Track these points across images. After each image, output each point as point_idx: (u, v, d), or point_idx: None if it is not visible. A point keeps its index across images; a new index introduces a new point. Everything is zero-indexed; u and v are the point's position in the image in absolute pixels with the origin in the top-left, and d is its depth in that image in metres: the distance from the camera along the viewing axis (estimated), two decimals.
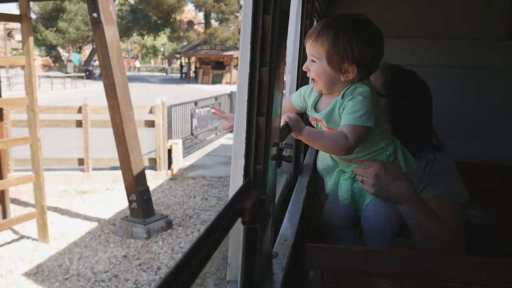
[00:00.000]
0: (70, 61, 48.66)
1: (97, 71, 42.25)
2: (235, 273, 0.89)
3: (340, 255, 1.18)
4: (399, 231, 1.49)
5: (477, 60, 2.78)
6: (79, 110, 8.59)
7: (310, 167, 2.07)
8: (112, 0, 6.31)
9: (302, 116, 1.56)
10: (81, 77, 38.33)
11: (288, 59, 1.91)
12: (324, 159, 1.54)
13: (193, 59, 45.41)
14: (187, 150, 10.63)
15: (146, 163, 8.67)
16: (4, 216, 6.45)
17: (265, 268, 0.99)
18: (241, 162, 0.85)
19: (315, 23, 2.14)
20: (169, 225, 6.52)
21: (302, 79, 1.91)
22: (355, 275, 1.18)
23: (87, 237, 6.22)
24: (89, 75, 42.79)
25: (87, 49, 53.80)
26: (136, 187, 6.33)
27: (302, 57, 1.85)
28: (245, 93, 0.82)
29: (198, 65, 44.49)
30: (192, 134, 11.13)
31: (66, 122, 8.94)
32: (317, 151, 2.01)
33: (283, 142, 1.06)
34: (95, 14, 6.03)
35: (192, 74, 44.91)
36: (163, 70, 60.73)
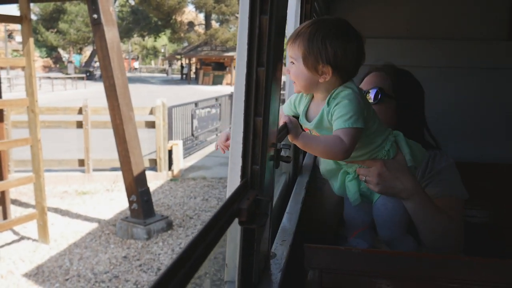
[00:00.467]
0: (70, 62, 48.72)
1: (97, 72, 42.32)
2: (232, 273, 0.89)
3: (338, 256, 1.18)
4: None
5: (476, 60, 2.77)
6: (80, 111, 8.60)
7: (309, 168, 2.07)
8: (112, 1, 6.32)
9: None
10: (82, 78, 38.39)
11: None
12: (326, 163, 1.54)
13: (193, 60, 45.44)
14: (188, 151, 10.63)
15: (147, 164, 8.67)
16: (5, 217, 6.46)
17: (263, 269, 0.99)
18: (239, 162, 0.85)
19: None
20: (169, 226, 6.52)
21: None
22: (354, 276, 1.18)
23: (87, 238, 6.22)
24: (90, 76, 42.84)
25: (87, 50, 53.85)
26: (137, 187, 6.34)
27: None
28: (243, 93, 0.82)
29: (198, 66, 44.52)
30: (192, 135, 11.13)
31: (66, 123, 8.94)
32: None
33: (281, 143, 1.05)
34: (95, 15, 6.04)
35: (192, 75, 44.93)
36: (163, 71, 60.75)
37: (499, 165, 2.66)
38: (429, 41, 2.79)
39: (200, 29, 49.37)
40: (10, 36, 41.27)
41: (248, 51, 0.80)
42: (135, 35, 51.76)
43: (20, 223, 6.09)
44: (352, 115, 1.26)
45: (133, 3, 47.94)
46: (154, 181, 8.73)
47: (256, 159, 0.85)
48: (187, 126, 10.97)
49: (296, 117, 1.51)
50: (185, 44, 49.98)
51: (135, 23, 47.70)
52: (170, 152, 9.20)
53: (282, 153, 1.07)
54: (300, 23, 1.80)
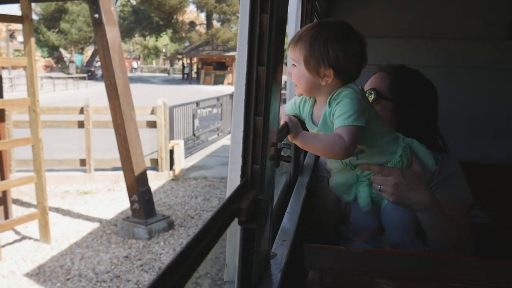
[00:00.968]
0: (72, 62, 48.79)
1: (99, 72, 42.30)
2: (232, 273, 0.88)
3: (339, 256, 1.18)
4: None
5: (478, 60, 2.77)
6: (81, 111, 8.60)
7: (310, 168, 2.06)
8: (113, 0, 6.32)
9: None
10: (83, 78, 38.43)
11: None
12: (340, 176, 1.53)
13: (195, 59, 45.45)
14: (189, 150, 10.63)
15: (148, 163, 8.68)
16: (6, 216, 6.47)
17: (263, 269, 0.99)
18: (239, 162, 0.85)
19: None
20: (170, 225, 6.52)
21: None
22: (355, 276, 1.17)
23: (88, 238, 6.22)
24: (91, 76, 42.88)
25: (89, 50, 53.90)
26: (138, 187, 6.33)
27: None
28: (243, 93, 0.82)
29: (200, 66, 44.54)
30: (194, 134, 11.13)
31: (68, 123, 8.94)
32: None
33: (282, 142, 1.05)
34: (96, 15, 6.04)
35: (194, 75, 44.93)
36: (165, 71, 60.77)
37: (500, 165, 2.65)
38: (431, 40, 2.78)
39: (202, 29, 49.38)
40: (11, 36, 41.32)
41: (248, 50, 0.80)
42: (136, 35, 51.78)
43: (22, 223, 6.09)
44: (353, 113, 1.26)
45: (134, 2, 47.96)
46: (156, 181, 8.73)
47: (256, 159, 0.85)
48: (189, 126, 10.97)
49: (299, 118, 1.51)
50: (187, 43, 49.99)
51: (137, 22, 47.72)
52: (171, 152, 9.19)
53: (283, 152, 1.07)
54: (301, 22, 1.80)
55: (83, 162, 8.78)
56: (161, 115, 8.83)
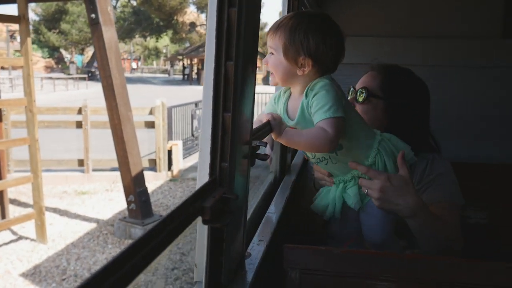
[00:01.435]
0: (72, 62, 48.86)
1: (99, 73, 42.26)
2: (202, 273, 0.87)
3: (318, 256, 1.16)
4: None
5: (471, 58, 2.74)
6: (79, 111, 8.59)
7: (297, 168, 2.05)
8: (110, 1, 6.31)
9: None
10: (83, 79, 38.46)
11: None
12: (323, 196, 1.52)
13: (195, 60, 45.43)
14: (188, 151, 10.62)
15: (146, 164, 8.66)
16: (3, 216, 6.46)
17: (235, 269, 0.97)
18: (208, 159, 0.83)
19: None
20: None
21: None
22: (334, 277, 1.15)
23: (85, 238, 6.21)
24: (91, 77, 42.89)
25: (89, 51, 53.93)
26: (135, 188, 6.32)
27: None
28: (211, 89, 0.80)
29: (200, 67, 44.51)
30: (192, 135, 11.11)
31: (66, 123, 8.94)
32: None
33: (257, 140, 1.03)
34: (93, 15, 6.03)
35: (194, 76, 44.94)
36: (165, 71, 60.78)
37: (494, 165, 2.63)
38: (422, 39, 2.76)
39: (202, 30, 49.40)
40: (12, 36, 41.35)
41: (216, 44, 0.78)
42: (137, 36, 51.84)
43: (18, 223, 6.08)
44: (332, 105, 1.24)
45: (135, 3, 48.01)
46: (154, 181, 8.72)
47: (225, 156, 0.83)
48: (187, 126, 10.95)
49: None
50: (187, 44, 50.02)
51: (137, 23, 47.77)
52: (169, 152, 9.18)
53: (260, 151, 1.05)
54: (288, 12, 1.77)
55: (81, 163, 8.77)
56: (159, 115, 8.81)
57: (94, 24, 6.05)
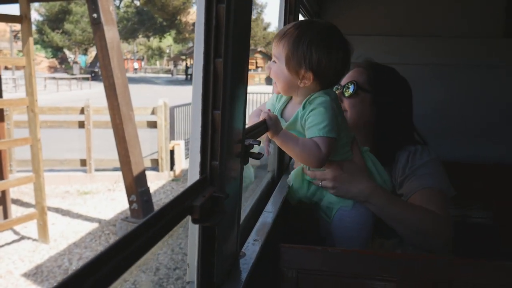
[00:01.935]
0: (76, 62, 48.94)
1: None
2: (194, 273, 0.85)
3: (315, 256, 1.15)
4: (377, 232, 1.45)
5: (472, 58, 2.72)
6: (82, 111, 8.60)
7: None
8: (112, 0, 6.31)
9: None
10: (87, 79, 38.57)
11: None
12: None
13: None
14: None
15: (148, 164, 8.67)
16: (5, 216, 6.47)
17: (229, 269, 0.96)
18: (198, 158, 0.82)
19: (301, 18, 2.11)
20: None
21: None
22: (331, 276, 1.14)
23: (87, 238, 6.21)
24: (95, 77, 42.98)
25: (93, 51, 54.00)
26: (136, 187, 6.32)
27: None
28: (200, 86, 0.79)
29: None
30: None
31: (68, 123, 8.95)
32: None
33: (249, 139, 1.02)
34: (95, 15, 6.04)
35: None
36: (168, 71, 60.84)
37: (495, 165, 2.62)
38: (422, 38, 2.74)
39: None
40: (16, 37, 41.45)
41: (205, 41, 0.77)
42: (140, 36, 51.91)
43: (20, 223, 6.09)
44: (327, 124, 1.24)
45: (138, 3, 48.07)
46: (156, 181, 8.72)
47: (215, 155, 0.82)
48: (190, 126, 10.92)
49: None
50: (190, 44, 50.04)
51: (140, 23, 47.85)
52: (172, 152, 9.18)
53: (254, 149, 1.03)
54: (284, 19, 1.76)
55: (83, 163, 8.77)
56: (161, 115, 8.81)
57: (96, 23, 6.05)
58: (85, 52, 54.54)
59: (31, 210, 6.86)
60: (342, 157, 1.39)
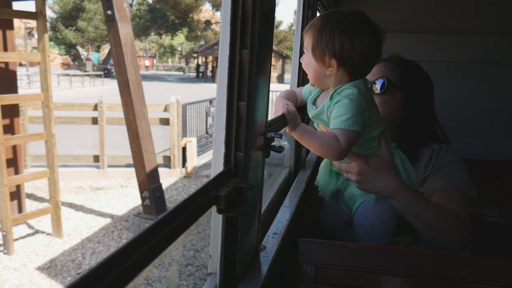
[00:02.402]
0: (89, 59, 49.38)
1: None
2: (216, 265, 0.86)
3: (334, 250, 1.14)
4: (398, 229, 1.44)
5: (492, 55, 2.69)
6: (95, 108, 8.67)
7: (312, 162, 2.03)
8: None
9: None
10: (100, 76, 38.90)
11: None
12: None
13: (210, 58, 45.56)
14: (202, 148, 10.64)
15: (161, 161, 8.71)
16: (20, 210, 6.55)
17: (250, 261, 0.96)
18: (222, 149, 0.82)
19: (318, 14, 2.10)
20: None
21: (304, 74, 1.86)
22: (349, 271, 1.13)
23: (100, 233, 6.26)
24: (107, 74, 43.32)
25: (106, 48, 54.40)
26: (149, 184, 6.36)
27: (301, 48, 1.82)
28: (226, 77, 0.79)
29: (215, 65, 44.58)
30: (207, 132, 11.13)
31: (82, 119, 9.02)
32: None
33: (271, 132, 1.02)
34: (109, 12, 6.08)
35: (209, 73, 45.08)
36: (180, 69, 61.04)
37: (509, 163, 2.58)
38: (442, 35, 2.72)
39: (217, 28, 49.47)
40: (30, 33, 41.91)
41: (231, 32, 0.77)
42: (152, 33, 52.12)
43: (35, 217, 6.16)
44: (350, 116, 1.22)
45: (150, 1, 48.28)
46: (168, 178, 8.77)
47: (239, 146, 0.82)
48: (202, 123, 10.97)
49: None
50: (202, 42, 50.18)
51: (153, 21, 48.04)
52: (184, 149, 9.21)
53: (275, 142, 1.03)
54: (303, 13, 1.76)
55: (96, 158, 8.84)
56: (174, 112, 8.84)
57: (110, 20, 6.09)
58: (98, 50, 54.94)
59: (45, 204, 6.94)
60: (369, 151, 1.38)
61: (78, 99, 21.34)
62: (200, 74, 46.51)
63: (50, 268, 5.24)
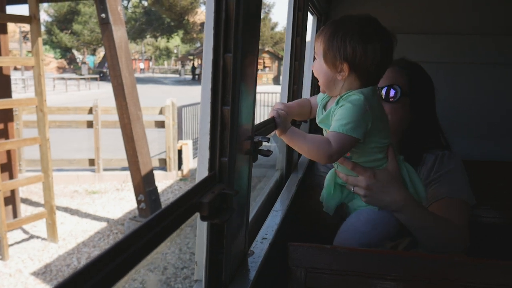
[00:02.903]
0: (84, 63, 49.23)
1: None
2: (202, 272, 0.84)
3: (324, 254, 1.13)
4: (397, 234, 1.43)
5: (491, 56, 2.68)
6: (90, 111, 8.64)
7: (304, 165, 2.02)
8: (120, 0, 6.33)
9: None
10: (95, 79, 38.77)
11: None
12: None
13: None
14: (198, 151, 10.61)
15: (156, 163, 8.68)
16: (15, 215, 6.52)
17: (237, 267, 0.95)
18: (207, 154, 0.81)
19: (309, 16, 2.09)
20: None
21: (294, 77, 1.84)
22: (339, 275, 1.12)
23: (95, 237, 6.24)
24: (103, 77, 43.20)
25: (101, 51, 54.25)
26: (144, 187, 6.34)
27: (294, 53, 1.80)
28: (209, 82, 0.78)
29: None
30: None
31: (77, 123, 8.99)
32: None
33: (259, 136, 1.00)
34: (103, 15, 6.06)
35: None
36: (176, 71, 60.99)
37: (510, 163, 2.57)
38: (439, 36, 2.71)
39: None
40: (25, 37, 41.80)
41: (214, 36, 0.76)
42: (148, 36, 52.08)
43: (29, 222, 6.13)
44: (350, 121, 1.19)
45: (146, 4, 48.24)
46: (164, 180, 8.74)
47: (224, 151, 0.81)
48: (198, 126, 10.94)
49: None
50: (198, 44, 50.16)
51: (148, 24, 48.01)
52: (179, 151, 9.19)
53: (263, 146, 1.02)
54: (293, 16, 1.75)
55: (92, 162, 8.81)
56: (169, 115, 8.82)
57: (104, 23, 6.08)
58: (93, 53, 54.83)
59: (40, 209, 6.90)
60: (375, 163, 1.35)
61: (74, 102, 21.30)
62: (196, 76, 46.48)
63: (45, 274, 5.21)
